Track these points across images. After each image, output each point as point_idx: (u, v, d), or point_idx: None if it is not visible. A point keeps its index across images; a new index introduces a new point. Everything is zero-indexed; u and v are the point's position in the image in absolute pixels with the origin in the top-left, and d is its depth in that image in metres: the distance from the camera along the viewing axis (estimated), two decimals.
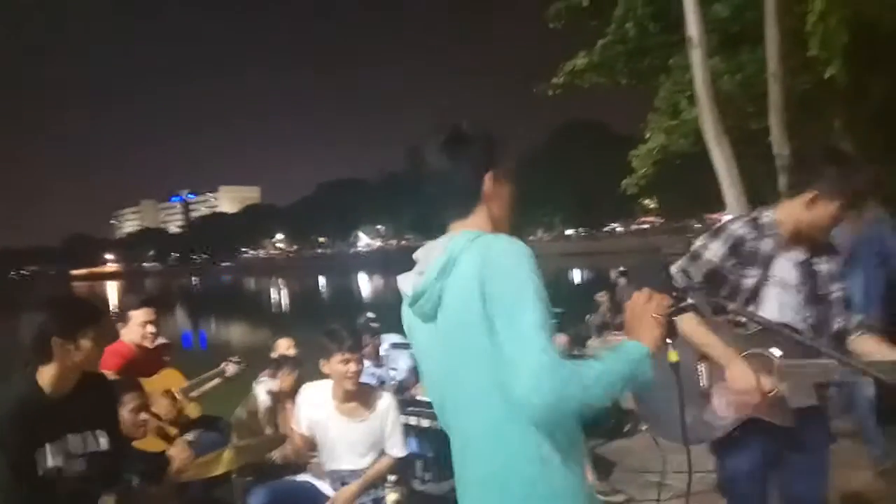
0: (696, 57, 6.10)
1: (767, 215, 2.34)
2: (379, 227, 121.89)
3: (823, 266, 2.32)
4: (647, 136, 12.99)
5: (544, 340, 1.37)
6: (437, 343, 1.58)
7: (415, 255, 1.65)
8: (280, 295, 52.00)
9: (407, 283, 1.63)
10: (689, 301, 1.72)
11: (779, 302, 2.27)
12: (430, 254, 1.59)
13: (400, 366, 5.65)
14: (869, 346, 2.21)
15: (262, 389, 4.50)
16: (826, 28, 6.95)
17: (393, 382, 5.47)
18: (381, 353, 5.74)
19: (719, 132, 5.94)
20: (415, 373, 5.40)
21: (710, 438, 2.32)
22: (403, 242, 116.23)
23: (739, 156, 6.14)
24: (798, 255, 2.32)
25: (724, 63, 9.52)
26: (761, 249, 2.30)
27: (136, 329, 4.20)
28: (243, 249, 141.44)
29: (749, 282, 2.28)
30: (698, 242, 2.39)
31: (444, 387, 1.62)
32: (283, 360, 4.69)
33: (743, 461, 2.36)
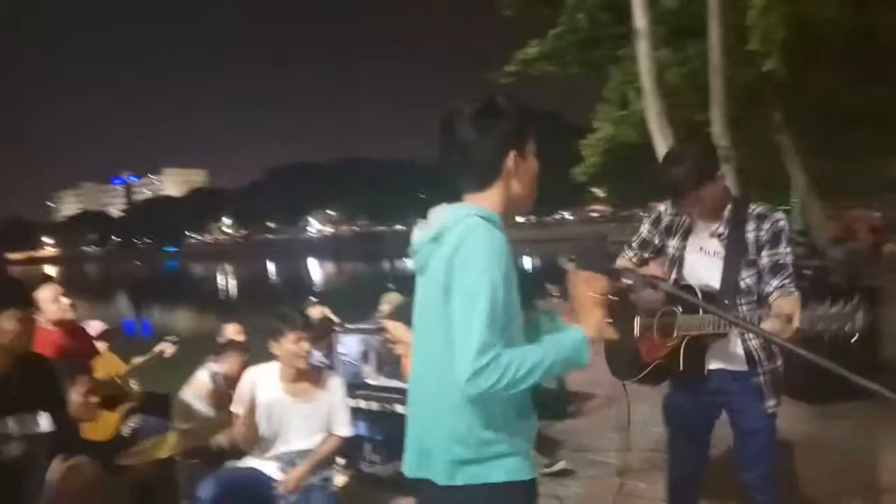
0: (643, 48, 6.25)
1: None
2: (330, 212, 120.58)
3: (751, 234, 2.42)
4: (596, 126, 13.24)
5: (487, 335, 1.42)
6: (421, 296, 1.66)
7: (430, 212, 1.68)
8: (227, 281, 51.02)
9: (416, 234, 1.68)
10: (625, 281, 1.81)
11: (699, 268, 2.50)
12: (437, 216, 1.63)
13: (350, 350, 5.65)
14: (782, 306, 2.23)
15: (206, 372, 4.46)
16: (766, 23, 7.22)
17: (344, 367, 5.48)
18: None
19: (663, 123, 6.11)
20: (364, 357, 5.42)
21: (635, 376, 2.56)
22: (356, 228, 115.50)
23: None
24: (717, 226, 2.48)
25: (670, 55, 9.77)
26: (680, 223, 2.58)
27: (51, 307, 3.99)
28: (189, 234, 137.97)
29: (672, 251, 2.58)
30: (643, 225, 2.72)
31: (417, 334, 1.69)
32: (229, 345, 4.65)
33: (678, 416, 2.65)
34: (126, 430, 4.09)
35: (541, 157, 1.68)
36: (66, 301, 3.97)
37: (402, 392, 4.52)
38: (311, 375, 3.34)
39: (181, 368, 4.61)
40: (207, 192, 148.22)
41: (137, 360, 4.41)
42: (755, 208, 2.50)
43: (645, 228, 2.68)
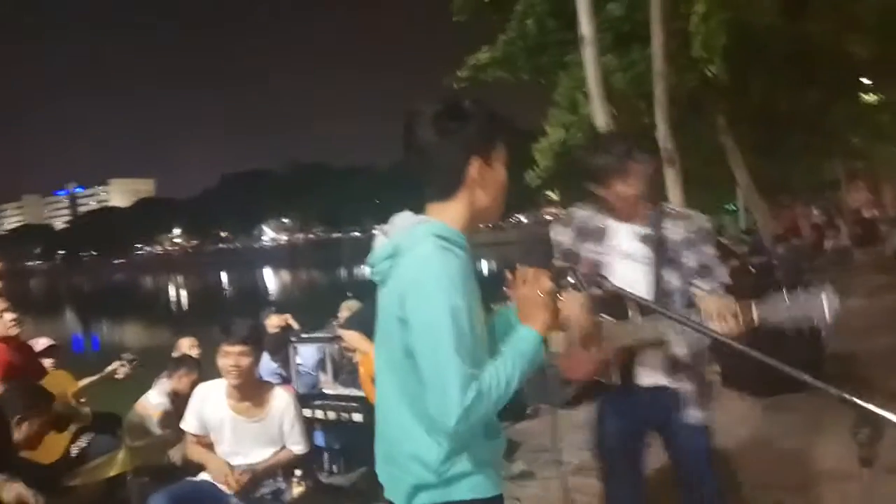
0: (589, 55, 6.36)
1: (597, 200, 2.45)
2: (285, 220, 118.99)
3: (672, 233, 2.34)
4: (548, 130, 13.41)
5: (462, 368, 1.35)
6: (381, 311, 1.56)
7: (391, 220, 1.59)
8: (179, 293, 49.82)
9: (376, 244, 1.58)
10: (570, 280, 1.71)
11: (625, 273, 2.32)
12: (396, 228, 1.54)
13: (306, 360, 5.59)
14: (712, 305, 2.18)
15: (156, 390, 4.36)
16: (707, 29, 7.44)
17: (300, 377, 5.42)
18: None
19: (610, 127, 6.23)
20: (321, 366, 5.37)
21: (563, 400, 2.42)
22: (311, 236, 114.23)
23: None
24: (639, 226, 2.38)
25: (616, 60, 9.96)
26: (601, 225, 2.42)
27: None
28: (137, 246, 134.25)
29: (596, 256, 2.38)
30: (551, 231, 2.49)
31: (378, 350, 1.60)
32: (181, 361, 4.55)
33: (610, 431, 2.45)
34: (75, 451, 3.96)
35: (510, 165, 1.59)
36: (9, 317, 3.84)
37: (359, 400, 4.50)
38: (256, 393, 3.20)
39: (131, 384, 4.49)
40: (156, 201, 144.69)
41: (88, 380, 4.29)
42: (677, 208, 2.45)
43: (564, 237, 2.46)
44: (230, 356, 3.05)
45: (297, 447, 3.24)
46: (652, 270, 2.31)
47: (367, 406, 4.39)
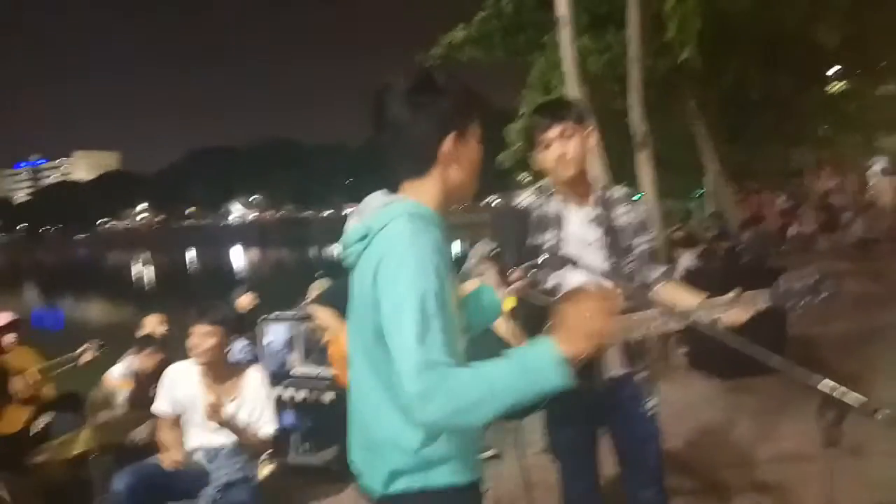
0: (565, 36, 6.34)
1: (548, 179, 2.37)
2: (254, 197, 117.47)
3: (623, 218, 2.30)
4: (522, 112, 13.41)
5: (420, 353, 1.26)
6: (354, 294, 1.51)
7: (364, 201, 1.53)
8: (144, 270, 48.99)
9: (348, 226, 1.54)
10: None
11: (586, 260, 2.14)
12: (368, 208, 1.50)
13: (275, 339, 5.55)
14: (672, 294, 2.16)
15: (120, 370, 4.29)
16: (682, 14, 7.46)
17: (269, 356, 5.38)
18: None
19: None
20: (290, 345, 5.33)
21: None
22: (281, 213, 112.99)
23: (604, 133, 6.45)
24: (588, 210, 2.31)
25: (592, 43, 9.96)
26: (549, 213, 2.33)
27: None
28: (101, 220, 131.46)
29: (549, 246, 2.26)
30: (484, 246, 2.33)
31: (350, 334, 1.55)
32: (147, 339, 4.48)
33: (560, 430, 2.41)
34: (37, 428, 3.90)
35: (484, 142, 1.54)
36: None
37: (329, 380, 4.48)
38: (229, 371, 3.22)
39: (97, 366, 4.41)
40: (121, 175, 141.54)
41: (55, 361, 4.21)
42: (618, 190, 2.39)
43: (528, 237, 2.30)
44: (196, 335, 3.07)
45: (268, 428, 3.22)
46: (611, 257, 2.25)
47: (337, 385, 4.37)
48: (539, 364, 1.30)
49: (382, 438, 1.46)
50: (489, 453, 4.26)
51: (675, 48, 7.82)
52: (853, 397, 1.37)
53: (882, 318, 7.09)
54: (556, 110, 2.30)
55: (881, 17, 10.89)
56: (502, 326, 2.02)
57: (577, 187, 2.31)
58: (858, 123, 16.69)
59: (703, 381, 5.62)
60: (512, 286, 1.81)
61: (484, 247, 2.17)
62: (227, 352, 3.27)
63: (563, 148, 2.24)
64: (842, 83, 15.95)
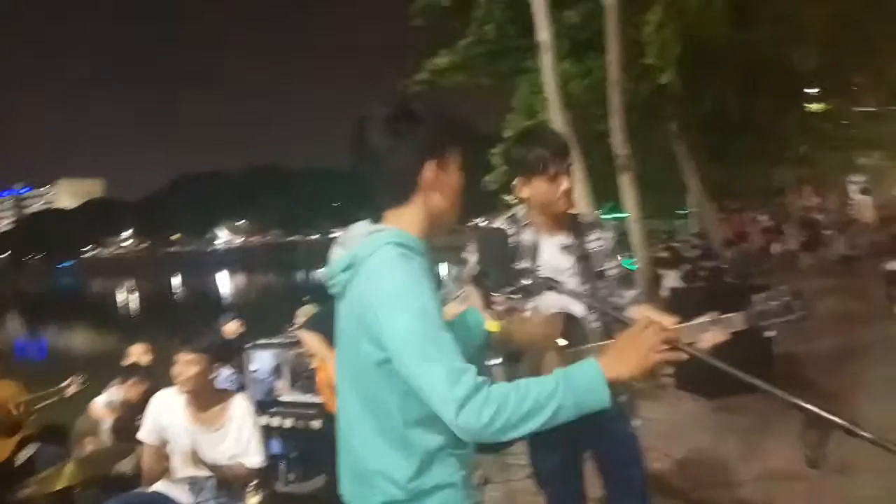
0: (547, 61, 6.44)
1: (521, 208, 2.37)
2: (240, 222, 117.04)
3: (595, 244, 2.31)
4: (506, 135, 13.56)
5: (448, 361, 1.28)
6: (341, 324, 1.50)
7: (347, 230, 1.54)
8: (129, 297, 48.50)
9: (333, 254, 1.54)
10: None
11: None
12: (352, 238, 1.50)
13: (261, 366, 5.51)
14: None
15: (104, 400, 4.25)
16: (661, 39, 7.63)
17: (256, 384, 5.34)
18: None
19: (568, 133, 6.31)
20: (277, 372, 5.30)
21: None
22: (268, 238, 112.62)
23: (587, 155, 6.56)
24: (562, 238, 2.31)
25: (573, 67, 10.11)
26: (524, 241, 2.32)
27: None
28: (85, 248, 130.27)
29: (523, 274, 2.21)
30: (467, 250, 2.35)
31: (339, 365, 1.54)
32: (132, 369, 4.44)
33: (545, 456, 2.39)
34: (20, 460, 3.84)
35: (466, 168, 1.56)
36: None
37: (317, 406, 4.45)
38: (215, 400, 3.16)
39: (81, 398, 4.36)
40: (105, 202, 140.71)
41: (39, 394, 4.16)
42: (587, 216, 2.41)
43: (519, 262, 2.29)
44: (180, 363, 3.03)
45: (255, 459, 3.18)
46: (585, 284, 2.25)
47: (324, 412, 4.34)
48: (585, 384, 1.32)
49: (373, 470, 1.44)
50: (478, 479, 4.24)
51: (655, 72, 7.97)
52: (835, 418, 1.38)
53: (864, 335, 7.17)
54: (559, 143, 2.29)
55: (856, 39, 11.20)
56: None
57: (555, 217, 2.31)
58: (837, 143, 17.02)
59: (689, 400, 5.64)
60: (498, 309, 1.81)
61: (467, 269, 2.18)
62: (213, 380, 3.24)
63: (568, 182, 2.24)
64: (820, 104, 16.29)
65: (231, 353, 5.55)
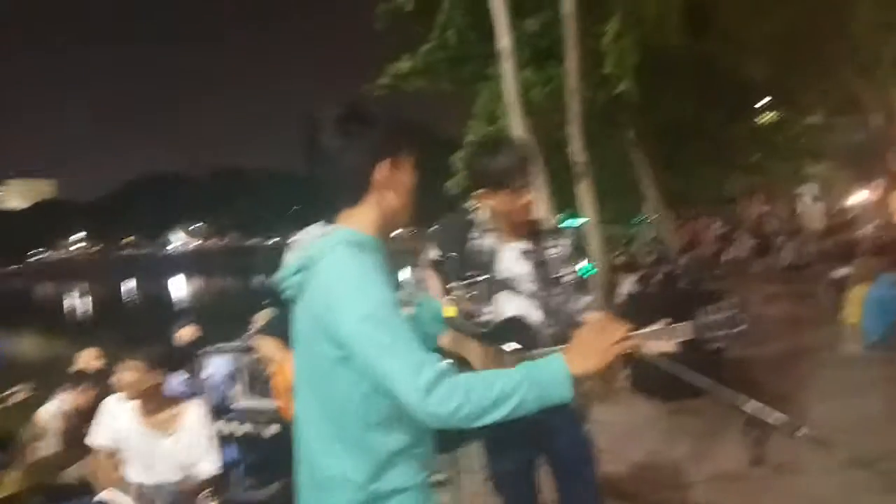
0: (507, 68, 6.51)
1: (482, 214, 2.37)
2: (197, 225, 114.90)
3: (552, 251, 2.34)
4: (468, 140, 13.65)
5: (411, 353, 1.31)
6: (298, 325, 1.50)
7: (302, 233, 1.55)
8: (79, 302, 47.12)
9: (288, 258, 1.54)
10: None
11: (512, 293, 2.27)
12: (306, 239, 1.51)
13: (217, 372, 5.42)
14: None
15: (53, 406, 4.13)
16: (618, 49, 7.80)
17: (211, 390, 5.25)
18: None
19: (528, 140, 6.38)
20: (233, 378, 5.22)
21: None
22: (225, 241, 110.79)
23: (547, 162, 6.65)
24: (521, 244, 2.34)
25: (534, 75, 10.24)
26: (483, 247, 2.34)
27: None
28: (35, 251, 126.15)
29: (483, 283, 2.25)
30: (429, 252, 2.33)
31: (297, 368, 1.53)
32: (82, 375, 4.33)
33: (500, 459, 2.41)
34: None
35: (420, 170, 1.57)
36: None
37: (273, 412, 4.39)
38: (167, 406, 3.12)
39: (27, 400, 4.23)
40: (57, 204, 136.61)
41: None
42: (546, 223, 2.44)
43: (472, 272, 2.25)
44: (121, 370, 3.01)
45: (209, 466, 3.13)
46: (542, 290, 2.27)
47: (281, 418, 4.29)
48: (550, 377, 1.36)
49: (332, 474, 1.44)
50: (440, 477, 4.24)
51: (613, 81, 8.13)
52: (776, 417, 1.42)
53: (811, 339, 7.41)
54: (523, 155, 2.30)
55: (805, 53, 11.63)
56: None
57: (515, 225, 2.33)
58: (787, 152, 17.59)
59: (645, 403, 5.75)
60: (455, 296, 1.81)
61: (428, 253, 2.18)
62: (160, 386, 3.15)
63: (530, 193, 2.26)
64: (771, 114, 16.83)
65: (178, 359, 5.44)
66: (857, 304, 7.04)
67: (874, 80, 12.76)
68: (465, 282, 1.67)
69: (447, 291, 1.67)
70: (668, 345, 1.89)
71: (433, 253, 2.17)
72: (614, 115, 11.71)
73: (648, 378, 5.81)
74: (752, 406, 1.45)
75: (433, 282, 1.70)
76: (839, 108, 15.60)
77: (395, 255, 1.58)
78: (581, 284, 2.36)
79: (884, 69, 11.79)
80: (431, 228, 2.40)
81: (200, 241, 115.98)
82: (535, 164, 2.34)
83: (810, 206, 20.34)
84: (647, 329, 1.92)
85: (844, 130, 18.18)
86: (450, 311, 1.66)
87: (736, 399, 1.48)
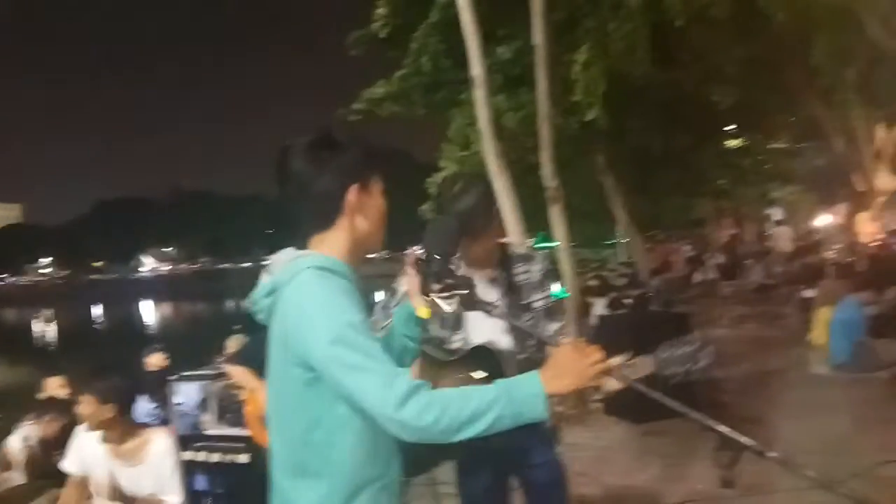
0: (479, 95, 6.60)
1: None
2: (167, 249, 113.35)
3: (522, 277, 2.34)
4: (442, 165, 13.75)
5: (383, 367, 1.32)
6: (271, 350, 1.50)
7: (273, 258, 1.54)
8: (46, 328, 45.99)
9: (262, 279, 1.54)
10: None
11: (483, 323, 2.23)
12: (278, 263, 1.51)
13: (187, 399, 5.33)
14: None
15: (19, 437, 4.04)
16: (587, 77, 7.97)
17: (181, 417, 5.16)
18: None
19: (500, 165, 6.47)
20: (203, 405, 5.15)
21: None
22: (196, 266, 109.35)
23: (519, 186, 6.72)
24: (490, 271, 2.34)
25: (506, 101, 10.40)
26: (458, 275, 2.41)
27: None
28: (1, 276, 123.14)
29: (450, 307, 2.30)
30: (399, 279, 2.30)
31: (269, 393, 1.53)
32: (48, 404, 4.24)
33: (472, 480, 2.40)
34: None
35: (390, 194, 1.59)
36: None
37: (244, 440, 4.34)
38: (133, 435, 3.08)
39: None
40: (22, 228, 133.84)
41: None
42: (518, 249, 2.44)
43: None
44: (82, 404, 2.97)
45: (173, 498, 3.08)
46: (510, 317, 2.24)
47: (253, 446, 4.24)
48: (525, 396, 1.37)
49: (300, 502, 1.44)
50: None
51: (583, 108, 8.29)
52: (745, 439, 1.45)
53: (779, 360, 7.55)
54: (488, 201, 2.28)
55: (771, 80, 11.99)
56: None
57: (485, 252, 2.33)
58: (754, 177, 18.02)
59: (617, 425, 5.78)
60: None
61: (414, 251, 2.17)
62: (115, 418, 3.07)
63: (498, 232, 2.30)
64: (737, 140, 17.26)
65: (131, 392, 5.35)
66: (823, 326, 7.21)
67: (835, 105, 13.20)
68: (445, 287, 1.65)
69: (426, 292, 1.67)
70: (616, 385, 1.79)
71: (417, 251, 2.17)
72: (585, 141, 11.91)
73: (621, 400, 5.85)
74: (721, 428, 1.47)
75: (412, 280, 1.69)
76: (804, 133, 16.08)
77: (367, 278, 1.58)
78: (552, 310, 2.37)
79: (843, 95, 12.19)
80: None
81: (170, 266, 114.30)
82: (498, 202, 2.34)
83: (777, 229, 20.78)
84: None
85: (809, 155, 18.73)
86: (423, 311, 1.64)
87: (705, 421, 1.50)
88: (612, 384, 1.86)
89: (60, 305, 65.58)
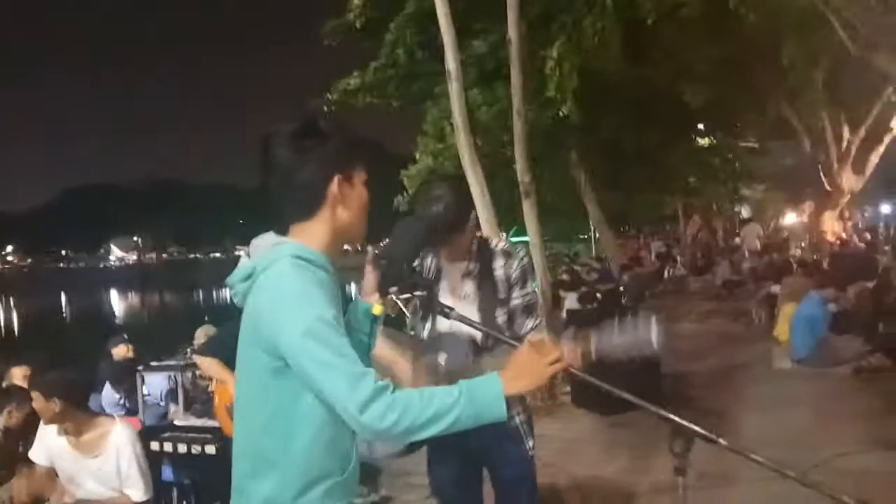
0: (454, 89, 6.60)
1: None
2: (135, 238, 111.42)
3: (499, 272, 2.32)
4: (417, 157, 13.74)
5: (350, 366, 1.33)
6: (242, 334, 1.50)
7: (252, 242, 1.55)
8: (10, 316, 44.97)
9: (241, 263, 1.55)
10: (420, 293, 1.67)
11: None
12: (258, 246, 1.51)
13: (155, 390, 5.28)
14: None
15: None
16: (561, 73, 8.03)
17: (148, 408, 5.11)
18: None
19: (474, 158, 6.47)
20: (172, 396, 5.10)
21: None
22: (166, 255, 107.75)
23: (493, 180, 6.76)
24: (465, 264, 2.33)
25: (481, 96, 10.42)
26: (426, 265, 2.36)
27: None
28: None
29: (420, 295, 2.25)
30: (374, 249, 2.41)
31: (238, 380, 1.53)
32: (10, 393, 4.16)
33: (443, 470, 2.41)
34: None
35: (369, 186, 1.59)
36: None
37: (212, 431, 4.31)
38: (91, 426, 3.04)
39: None
40: None
41: None
42: (499, 244, 2.41)
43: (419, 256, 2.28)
44: (33, 398, 2.99)
45: (136, 493, 3.04)
46: (483, 311, 2.25)
47: (221, 437, 4.21)
48: (485, 397, 1.41)
49: (258, 494, 1.44)
50: (376, 496, 4.23)
51: (556, 103, 8.35)
52: (698, 428, 1.48)
53: (743, 354, 7.71)
54: (461, 205, 2.25)
55: (740, 80, 12.19)
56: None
57: (460, 245, 2.33)
58: (723, 175, 18.31)
59: (585, 417, 5.86)
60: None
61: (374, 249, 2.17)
62: (66, 412, 3.02)
63: (473, 231, 2.27)
64: (707, 138, 17.52)
65: (121, 376, 5.29)
66: (786, 321, 7.37)
67: (803, 105, 13.47)
68: (403, 289, 1.65)
69: (382, 292, 1.67)
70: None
71: (378, 250, 2.17)
72: (558, 136, 11.98)
73: (589, 392, 5.93)
74: (672, 417, 1.51)
75: (369, 277, 1.68)
76: (773, 132, 16.37)
77: (340, 270, 1.58)
78: (530, 307, 2.35)
79: (812, 95, 12.44)
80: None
81: (138, 255, 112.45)
82: (472, 200, 2.30)
83: (745, 227, 21.16)
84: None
85: (778, 154, 19.09)
86: (377, 308, 1.63)
87: (657, 411, 1.53)
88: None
89: (24, 294, 64.16)
